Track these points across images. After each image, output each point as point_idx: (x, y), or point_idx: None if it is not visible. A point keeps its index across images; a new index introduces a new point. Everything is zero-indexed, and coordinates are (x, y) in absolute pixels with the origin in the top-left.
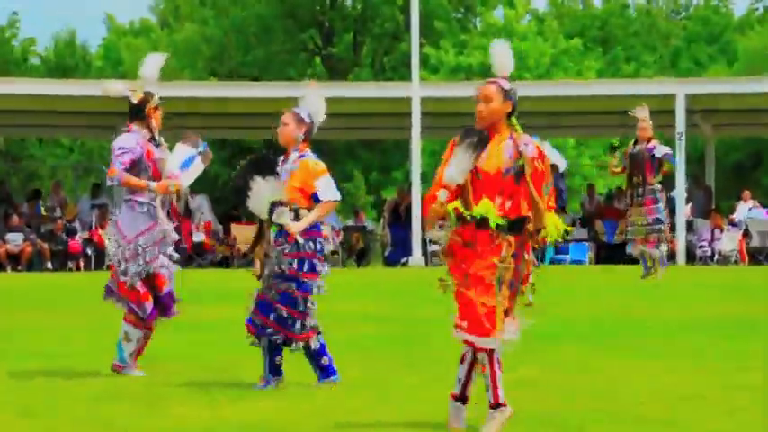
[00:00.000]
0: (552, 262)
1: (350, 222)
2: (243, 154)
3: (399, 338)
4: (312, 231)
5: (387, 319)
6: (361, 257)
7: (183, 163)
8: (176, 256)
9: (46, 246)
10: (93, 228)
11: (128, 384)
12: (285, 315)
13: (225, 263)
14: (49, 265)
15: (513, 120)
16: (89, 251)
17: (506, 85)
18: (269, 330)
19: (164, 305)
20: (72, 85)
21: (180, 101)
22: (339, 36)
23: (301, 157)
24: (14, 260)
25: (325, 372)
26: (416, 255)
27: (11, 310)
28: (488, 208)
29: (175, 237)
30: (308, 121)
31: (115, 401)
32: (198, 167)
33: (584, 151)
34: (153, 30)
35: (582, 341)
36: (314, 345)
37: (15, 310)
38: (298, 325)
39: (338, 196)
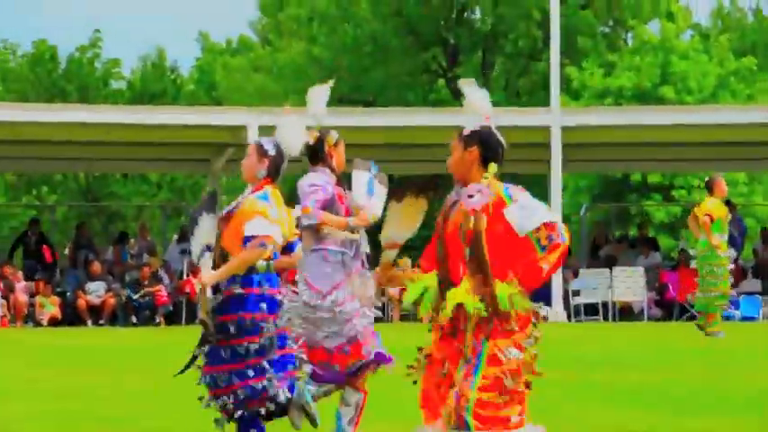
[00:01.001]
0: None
1: None
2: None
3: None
4: (249, 287)
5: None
6: None
7: (368, 190)
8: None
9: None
10: (185, 276)
11: None
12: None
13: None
14: (134, 318)
15: (490, 166)
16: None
17: (467, 131)
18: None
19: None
20: (161, 113)
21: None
22: (466, 55)
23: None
24: (96, 313)
25: None
26: (557, 307)
27: (89, 369)
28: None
29: (372, 289)
30: (271, 153)
31: None
32: (381, 192)
33: (757, 188)
34: (253, 48)
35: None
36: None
37: (93, 369)
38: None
39: (266, 241)
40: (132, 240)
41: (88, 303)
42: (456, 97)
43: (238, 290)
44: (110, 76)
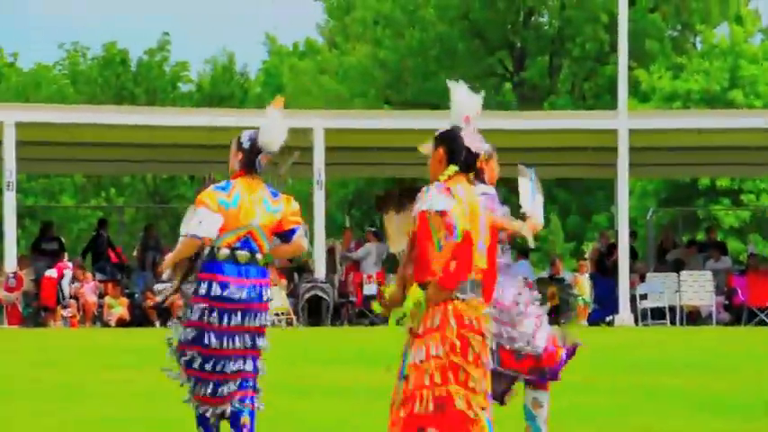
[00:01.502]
0: None
1: (544, 273)
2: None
3: (600, 412)
4: (210, 274)
5: (590, 389)
6: (557, 314)
7: (531, 196)
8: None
9: None
10: None
11: None
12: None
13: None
14: None
15: (450, 167)
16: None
17: (438, 132)
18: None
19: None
20: (228, 116)
21: (351, 133)
22: (533, 59)
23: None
24: (165, 314)
25: None
26: (624, 313)
27: (147, 369)
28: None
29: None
30: (245, 146)
31: None
32: (540, 197)
33: None
34: (320, 51)
35: None
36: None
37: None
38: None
39: (194, 232)
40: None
41: (157, 304)
42: (522, 101)
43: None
44: (178, 79)
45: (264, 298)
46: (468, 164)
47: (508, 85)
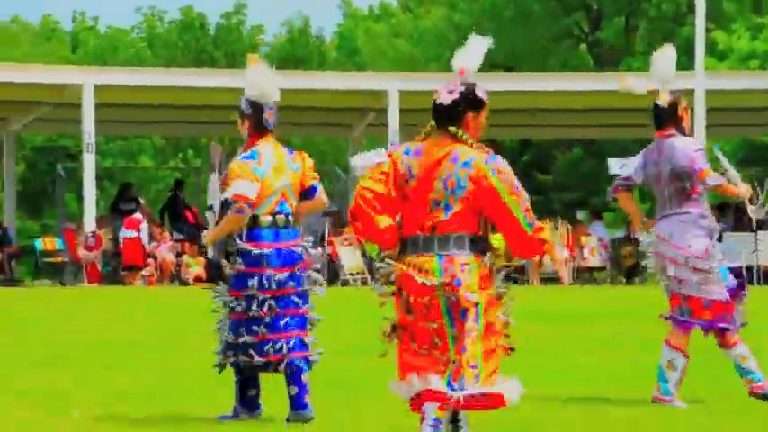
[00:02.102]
0: None
1: (620, 234)
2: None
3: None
4: (251, 242)
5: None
6: (632, 274)
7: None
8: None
9: None
10: (327, 238)
11: None
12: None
13: None
14: None
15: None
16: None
17: None
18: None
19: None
20: (304, 78)
21: (425, 95)
22: (609, 20)
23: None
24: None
25: (293, 403)
26: None
27: None
28: None
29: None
30: (247, 111)
31: None
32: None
33: None
34: (394, 14)
35: None
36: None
37: None
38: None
39: (242, 192)
40: None
41: None
42: (598, 63)
43: (243, 246)
44: (255, 43)
45: (303, 257)
46: (438, 115)
47: (584, 47)
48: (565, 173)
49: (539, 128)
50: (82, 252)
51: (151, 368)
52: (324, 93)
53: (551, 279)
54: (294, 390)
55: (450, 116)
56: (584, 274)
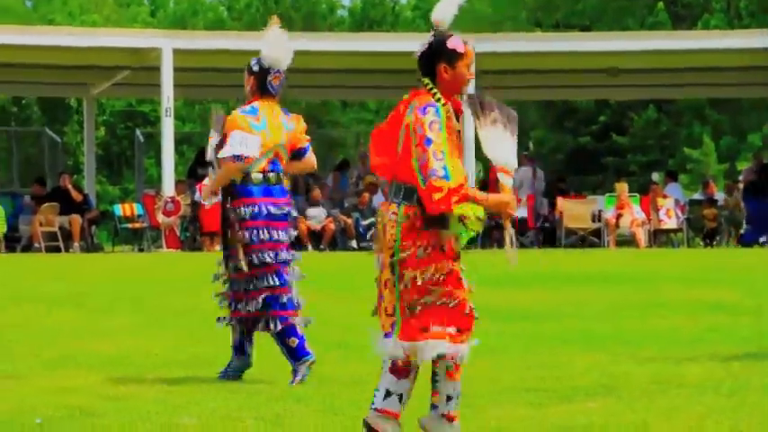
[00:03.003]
0: None
1: (697, 195)
2: (571, 116)
3: (753, 332)
4: (240, 199)
5: (739, 308)
6: (712, 236)
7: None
8: None
9: (350, 222)
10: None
11: None
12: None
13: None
14: (354, 243)
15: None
16: None
17: None
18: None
19: None
20: (379, 40)
21: (502, 56)
22: None
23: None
24: (316, 238)
25: (294, 354)
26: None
27: (306, 292)
28: None
29: None
30: (255, 69)
31: None
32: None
33: None
34: None
35: None
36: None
37: (311, 292)
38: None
39: (239, 152)
40: (352, 168)
41: (309, 228)
42: (676, 21)
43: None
44: (334, 6)
45: (291, 215)
46: (417, 68)
47: (661, 5)
48: (641, 134)
49: (615, 88)
50: (161, 217)
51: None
52: (398, 54)
53: (627, 242)
54: (295, 341)
55: (421, 68)
56: (660, 237)
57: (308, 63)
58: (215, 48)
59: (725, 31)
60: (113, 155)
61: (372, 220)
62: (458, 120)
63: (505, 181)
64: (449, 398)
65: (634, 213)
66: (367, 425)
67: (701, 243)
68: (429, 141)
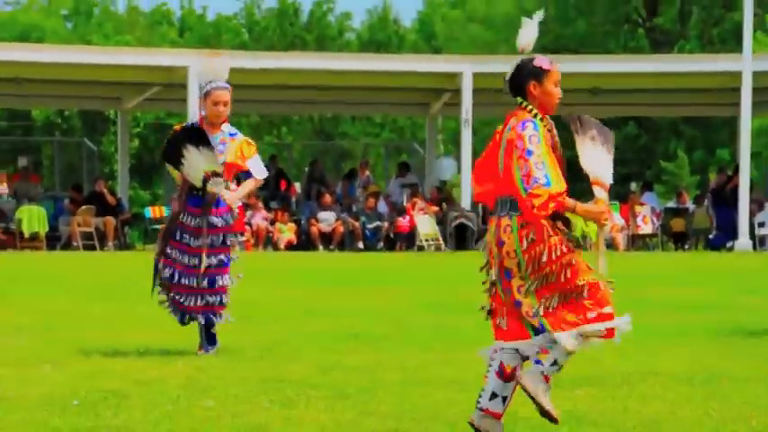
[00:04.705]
0: None
1: (671, 204)
2: (558, 131)
3: (724, 327)
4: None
5: (711, 306)
6: (683, 241)
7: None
8: None
9: (358, 225)
10: (406, 208)
11: None
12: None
13: None
14: (360, 244)
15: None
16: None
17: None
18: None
19: None
20: (386, 60)
21: (496, 76)
22: (665, 6)
23: (233, 135)
24: (327, 239)
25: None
26: (743, 239)
27: (318, 288)
28: None
29: None
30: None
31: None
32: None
33: None
34: (469, 1)
35: None
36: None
37: (323, 288)
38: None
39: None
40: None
41: (320, 231)
42: (654, 46)
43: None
44: (343, 28)
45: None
46: (508, 89)
47: (641, 31)
48: (621, 148)
49: (598, 106)
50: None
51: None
52: (403, 74)
53: (606, 246)
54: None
55: (512, 88)
56: (638, 241)
57: (320, 80)
58: (236, 66)
59: (699, 55)
60: (145, 163)
61: (378, 223)
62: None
63: (599, 193)
64: (555, 362)
65: (614, 219)
66: (471, 424)
67: (673, 247)
68: (530, 153)
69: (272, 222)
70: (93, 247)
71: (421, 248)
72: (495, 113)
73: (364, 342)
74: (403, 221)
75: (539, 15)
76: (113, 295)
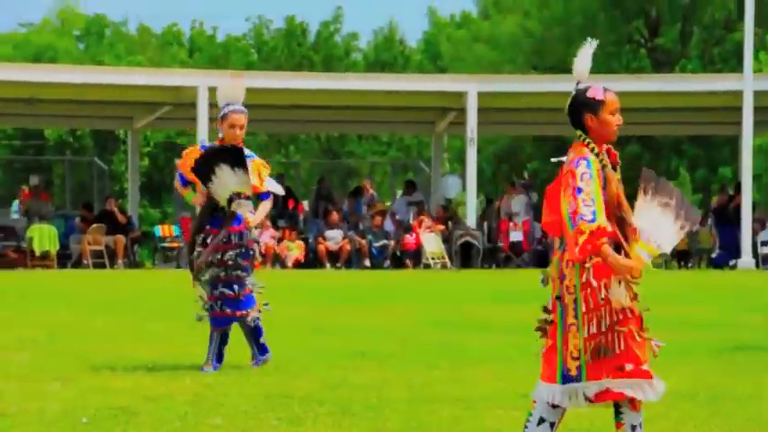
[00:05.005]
0: None
1: None
2: (563, 150)
3: (727, 346)
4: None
5: (715, 324)
6: (686, 259)
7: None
8: None
9: (364, 243)
10: (411, 225)
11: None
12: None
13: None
14: (367, 262)
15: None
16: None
17: None
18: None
19: None
20: (392, 80)
21: (501, 96)
22: (667, 26)
23: (249, 157)
24: (334, 257)
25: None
26: (746, 257)
27: (326, 306)
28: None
29: None
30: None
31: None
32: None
33: None
34: (474, 22)
35: None
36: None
37: (330, 306)
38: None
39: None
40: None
41: (327, 249)
42: (656, 66)
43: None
44: (350, 49)
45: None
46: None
47: (643, 51)
48: (625, 166)
49: None
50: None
51: None
52: (408, 93)
53: None
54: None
55: (571, 121)
56: None
57: (327, 100)
58: (247, 86)
59: (700, 75)
60: (155, 182)
61: (385, 242)
62: (614, 170)
63: (643, 255)
64: (633, 427)
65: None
66: None
67: (677, 265)
68: (579, 190)
69: (280, 240)
70: (103, 266)
71: (427, 266)
72: (499, 131)
73: (371, 359)
74: (410, 239)
75: (592, 44)
76: (122, 311)
